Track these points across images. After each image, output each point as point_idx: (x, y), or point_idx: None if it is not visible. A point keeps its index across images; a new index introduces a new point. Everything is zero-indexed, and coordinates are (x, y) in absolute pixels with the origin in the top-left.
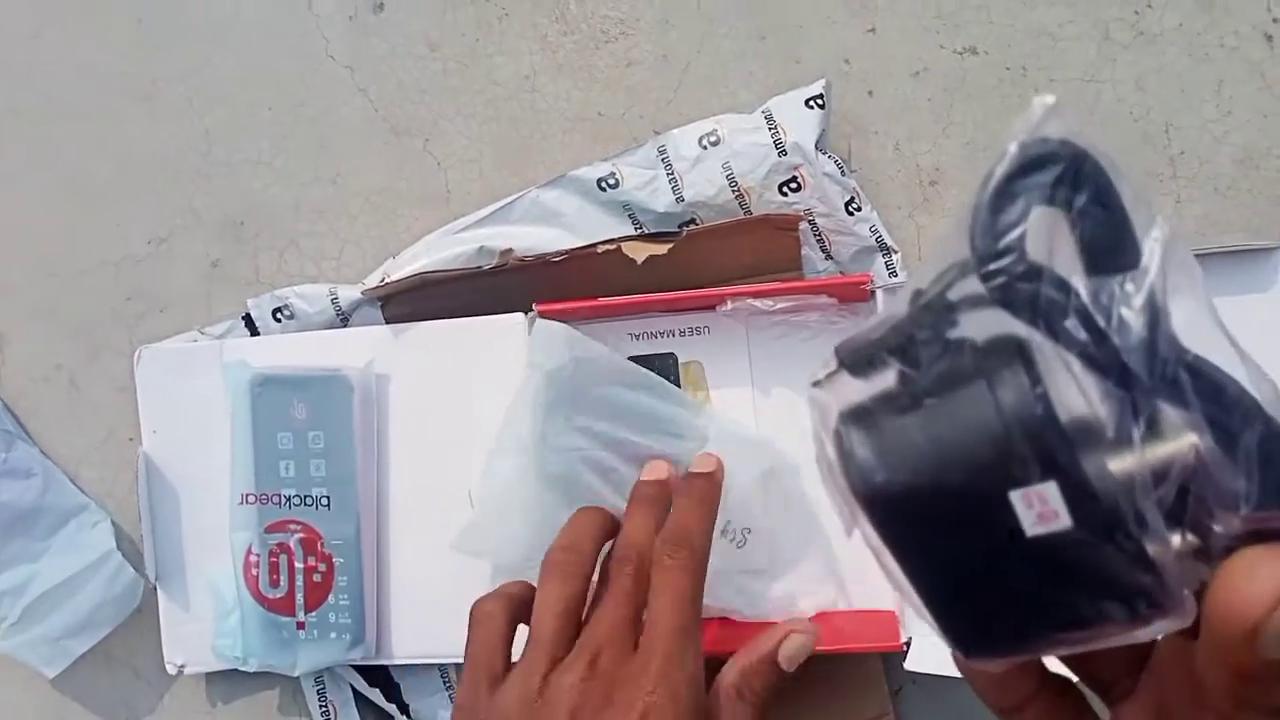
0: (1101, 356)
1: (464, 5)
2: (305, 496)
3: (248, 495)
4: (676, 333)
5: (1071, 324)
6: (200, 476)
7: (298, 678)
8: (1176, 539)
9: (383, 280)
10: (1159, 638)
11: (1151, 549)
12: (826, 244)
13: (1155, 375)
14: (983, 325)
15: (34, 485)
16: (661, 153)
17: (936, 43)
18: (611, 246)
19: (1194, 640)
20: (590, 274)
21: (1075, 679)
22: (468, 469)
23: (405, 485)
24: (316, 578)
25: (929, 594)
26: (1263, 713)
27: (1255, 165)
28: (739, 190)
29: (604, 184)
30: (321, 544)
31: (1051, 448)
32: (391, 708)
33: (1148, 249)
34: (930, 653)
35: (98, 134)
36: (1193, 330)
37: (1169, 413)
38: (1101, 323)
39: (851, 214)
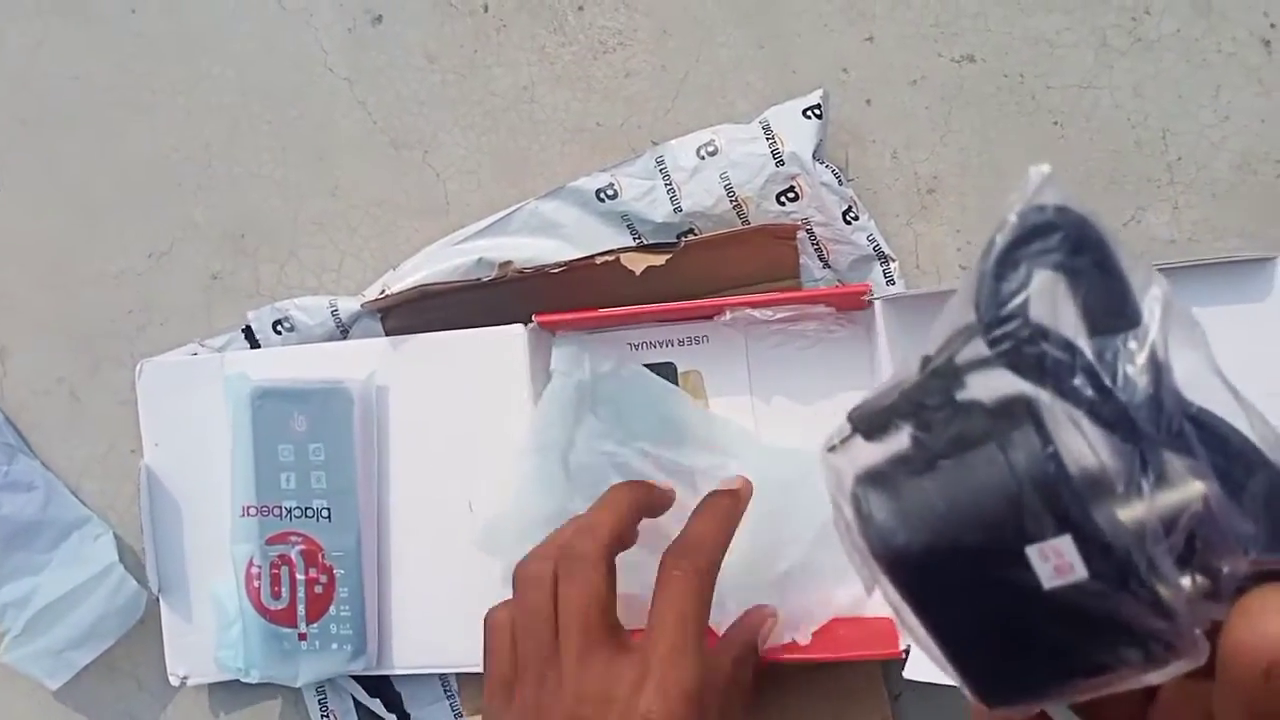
0: (1108, 412)
1: (462, 17)
2: (306, 508)
3: (249, 507)
4: (675, 342)
5: (1079, 382)
6: (201, 489)
7: (299, 688)
8: (1187, 582)
9: (382, 292)
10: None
11: (1165, 593)
12: (824, 253)
13: (1161, 428)
14: (991, 387)
15: (36, 498)
16: (659, 163)
17: (934, 51)
18: (610, 258)
19: (1203, 680)
20: (589, 285)
21: None
22: (468, 480)
23: (405, 496)
24: (318, 589)
25: (951, 649)
26: None
27: (1253, 170)
28: (737, 200)
29: (602, 195)
30: (322, 555)
31: (1064, 503)
32: (392, 717)
33: (1147, 308)
34: (928, 661)
35: (98, 146)
36: (1195, 382)
37: (1176, 463)
38: (1107, 380)
39: (849, 223)
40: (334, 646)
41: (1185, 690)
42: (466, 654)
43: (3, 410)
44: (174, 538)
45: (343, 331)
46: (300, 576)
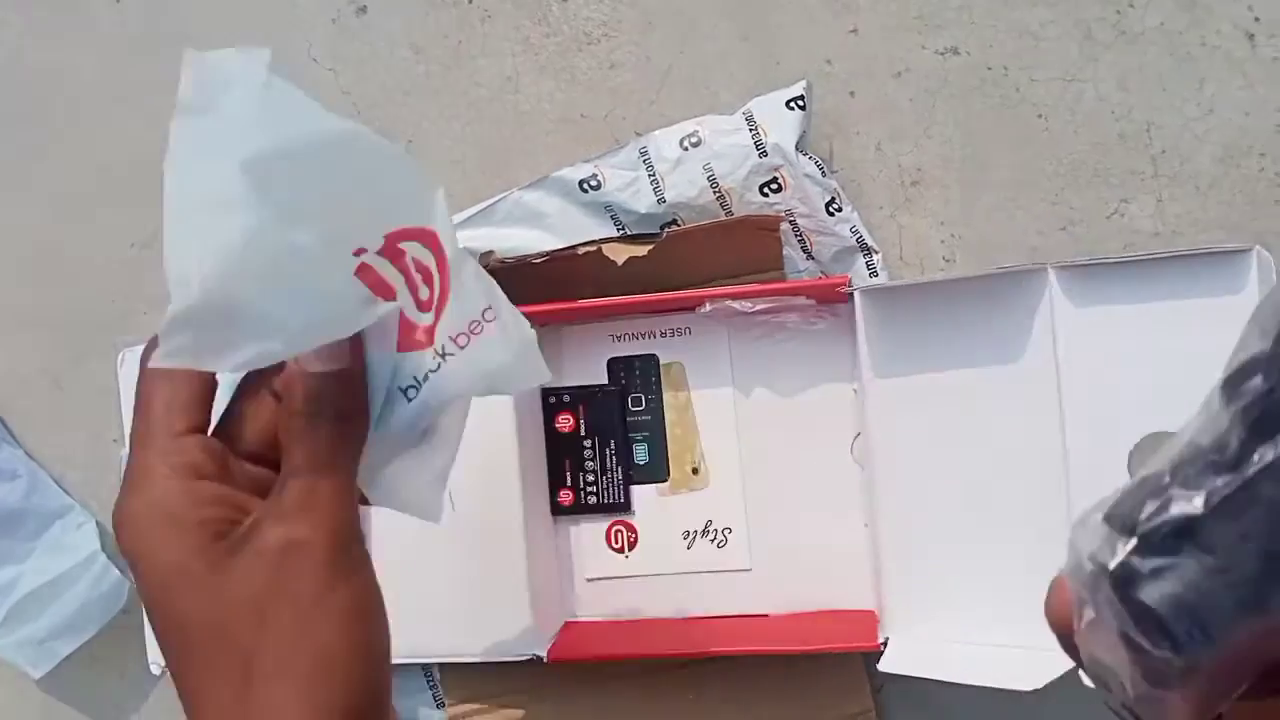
0: None
1: (446, 7)
2: None
3: None
4: (658, 334)
5: None
6: None
7: None
8: None
9: None
10: None
11: None
12: (808, 244)
13: None
14: None
15: (18, 487)
16: (643, 154)
17: (918, 43)
18: (592, 248)
19: None
20: (571, 275)
21: None
22: None
23: None
24: None
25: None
26: None
27: (1236, 164)
28: (720, 191)
29: (586, 185)
30: None
31: None
32: None
33: None
34: (904, 655)
35: (81, 138)
36: None
37: None
38: None
39: (832, 214)
40: None
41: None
42: (448, 645)
43: None
44: None
45: None
46: None
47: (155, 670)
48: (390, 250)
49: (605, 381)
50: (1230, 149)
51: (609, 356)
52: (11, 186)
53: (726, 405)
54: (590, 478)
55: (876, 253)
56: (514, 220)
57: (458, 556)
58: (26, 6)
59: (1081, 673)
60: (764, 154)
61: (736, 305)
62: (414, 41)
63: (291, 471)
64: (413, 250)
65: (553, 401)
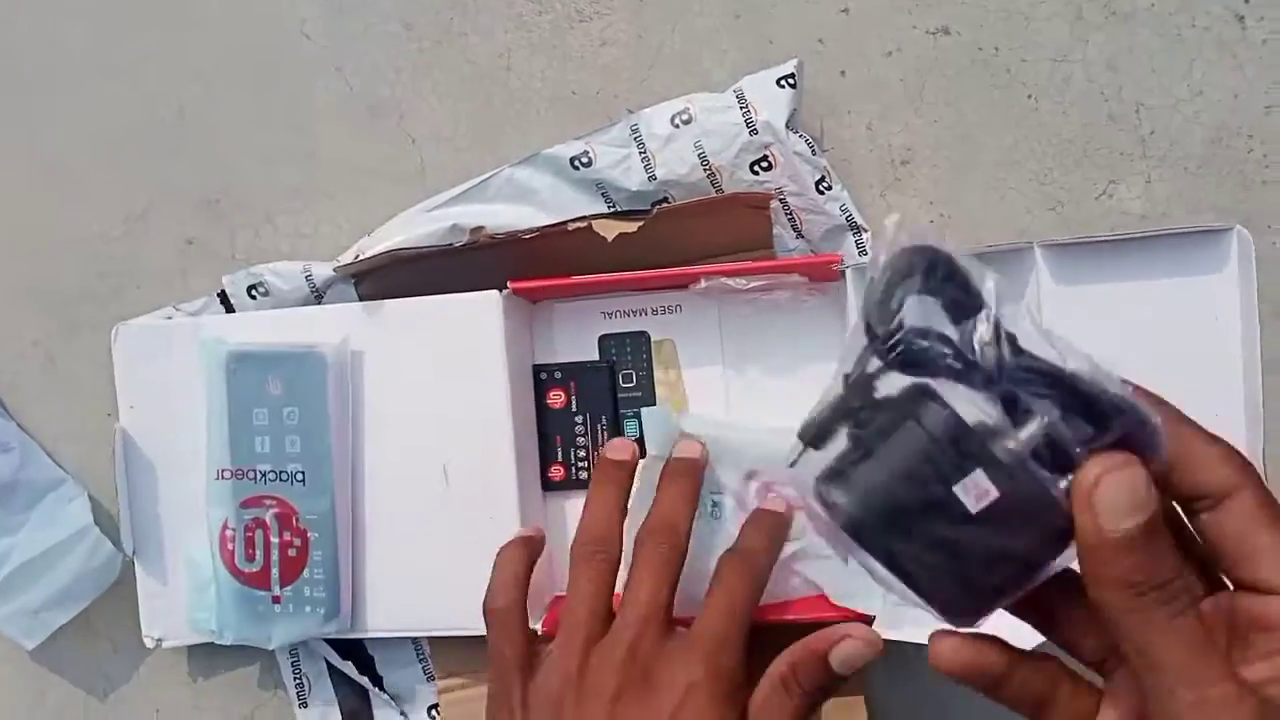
0: (976, 378)
1: None
2: (280, 472)
3: (223, 471)
4: (649, 311)
5: (952, 362)
6: (177, 452)
7: (273, 651)
8: (1064, 483)
9: (356, 257)
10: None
11: (1051, 492)
12: (797, 223)
13: (1011, 378)
14: (895, 385)
15: (11, 460)
16: (634, 131)
17: (909, 23)
18: (582, 224)
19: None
20: (562, 251)
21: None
22: (442, 445)
23: (380, 461)
24: (292, 552)
25: (916, 584)
26: (1117, 587)
27: (1226, 145)
28: (710, 169)
29: (577, 162)
30: (297, 519)
31: (971, 447)
32: (364, 680)
33: (985, 295)
34: (894, 621)
35: (74, 111)
36: (1028, 339)
37: (1028, 399)
38: (969, 355)
39: (822, 193)
40: (307, 610)
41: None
42: (440, 618)
43: None
44: (149, 501)
45: (317, 296)
46: (274, 540)
47: (148, 643)
48: None
49: (596, 358)
50: (1220, 130)
51: (600, 333)
52: (4, 158)
53: (717, 382)
54: (582, 453)
55: (866, 231)
56: (505, 197)
57: (452, 531)
58: None
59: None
60: (754, 132)
61: (731, 282)
62: (406, 18)
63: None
64: None
65: (544, 378)
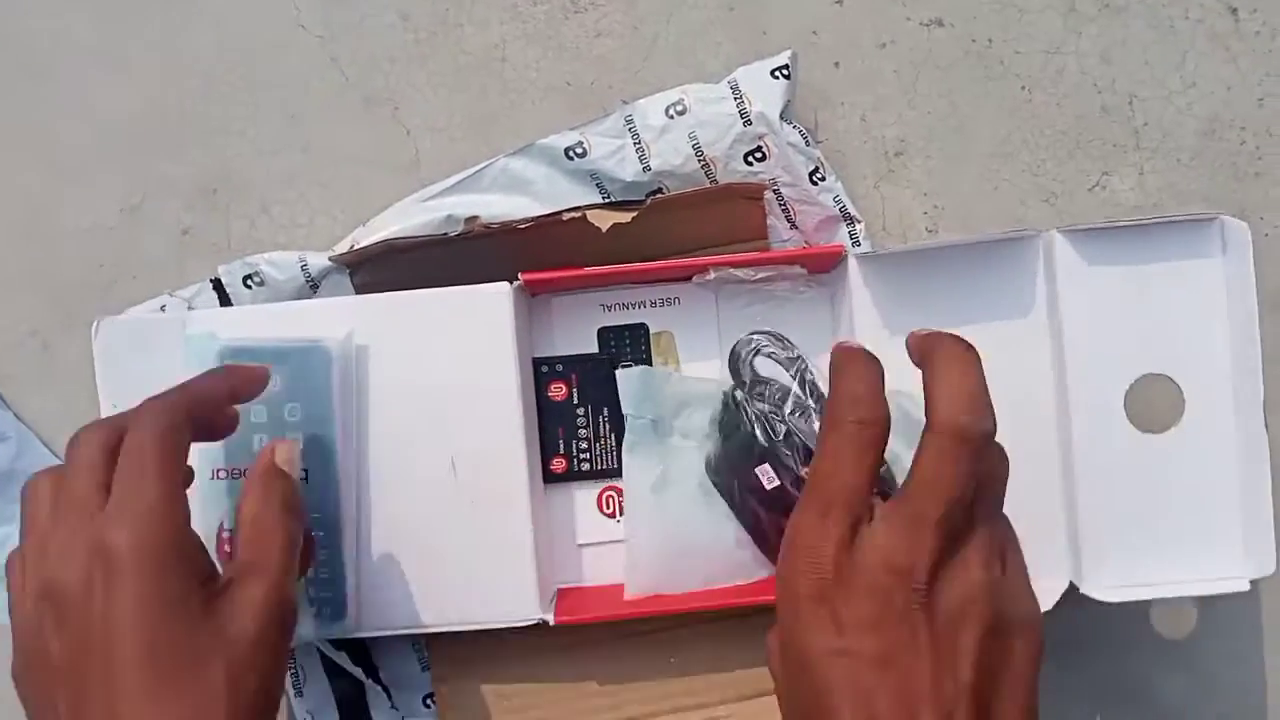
0: (769, 408)
1: None
2: None
3: (218, 470)
4: (648, 303)
5: (768, 398)
6: None
7: None
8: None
9: (351, 247)
10: None
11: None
12: (791, 214)
13: (786, 410)
14: (749, 408)
15: (7, 450)
16: (629, 122)
17: (903, 15)
18: (576, 214)
19: None
20: (556, 242)
21: None
22: (450, 440)
23: (385, 455)
24: None
25: (748, 526)
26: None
27: (1218, 137)
28: (705, 160)
29: (571, 153)
30: None
31: (762, 450)
32: (358, 671)
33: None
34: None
35: (70, 101)
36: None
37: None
38: (772, 394)
39: (816, 184)
40: (313, 612)
41: None
42: (449, 614)
43: None
44: None
45: (312, 286)
46: None
47: None
48: None
49: (596, 350)
50: (1212, 122)
51: (599, 326)
52: (1, 147)
53: (715, 373)
54: (584, 445)
55: (859, 222)
56: (500, 187)
57: (460, 526)
58: None
59: None
60: (748, 123)
61: (738, 273)
62: (401, 8)
63: None
64: None
65: (545, 371)
